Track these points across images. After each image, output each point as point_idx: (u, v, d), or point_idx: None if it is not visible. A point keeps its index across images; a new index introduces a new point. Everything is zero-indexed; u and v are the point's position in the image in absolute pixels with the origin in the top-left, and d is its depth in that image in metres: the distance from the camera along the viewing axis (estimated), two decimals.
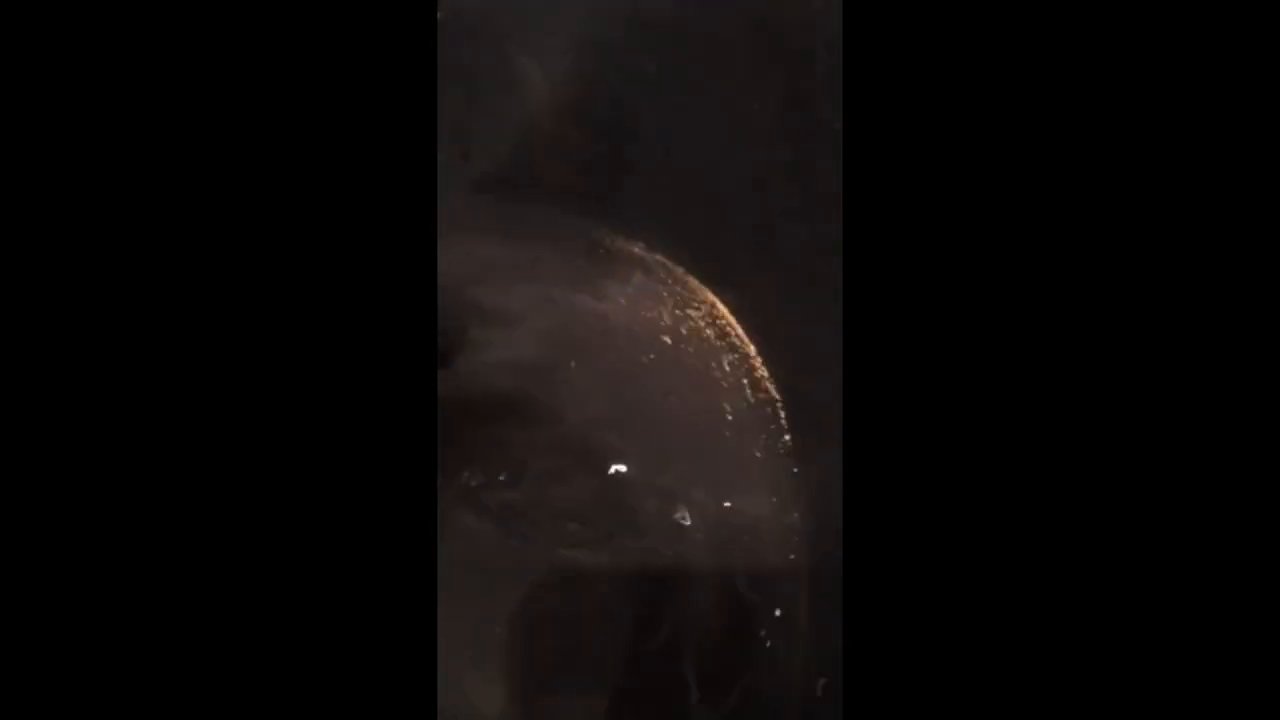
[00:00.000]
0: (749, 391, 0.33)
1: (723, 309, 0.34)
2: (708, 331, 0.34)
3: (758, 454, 0.32)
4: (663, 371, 0.33)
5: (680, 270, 0.34)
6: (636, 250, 0.34)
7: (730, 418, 0.33)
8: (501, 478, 0.30)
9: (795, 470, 0.32)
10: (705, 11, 0.31)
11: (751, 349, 0.34)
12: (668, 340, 0.33)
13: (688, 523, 0.30)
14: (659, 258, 0.34)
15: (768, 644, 0.29)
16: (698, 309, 0.34)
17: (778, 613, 0.30)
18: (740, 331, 0.34)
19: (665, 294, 0.34)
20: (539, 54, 0.32)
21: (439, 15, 0.28)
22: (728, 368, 0.33)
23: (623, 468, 0.31)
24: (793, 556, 0.31)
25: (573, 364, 0.32)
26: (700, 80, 0.32)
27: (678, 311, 0.34)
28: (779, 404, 0.33)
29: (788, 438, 0.33)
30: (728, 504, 0.31)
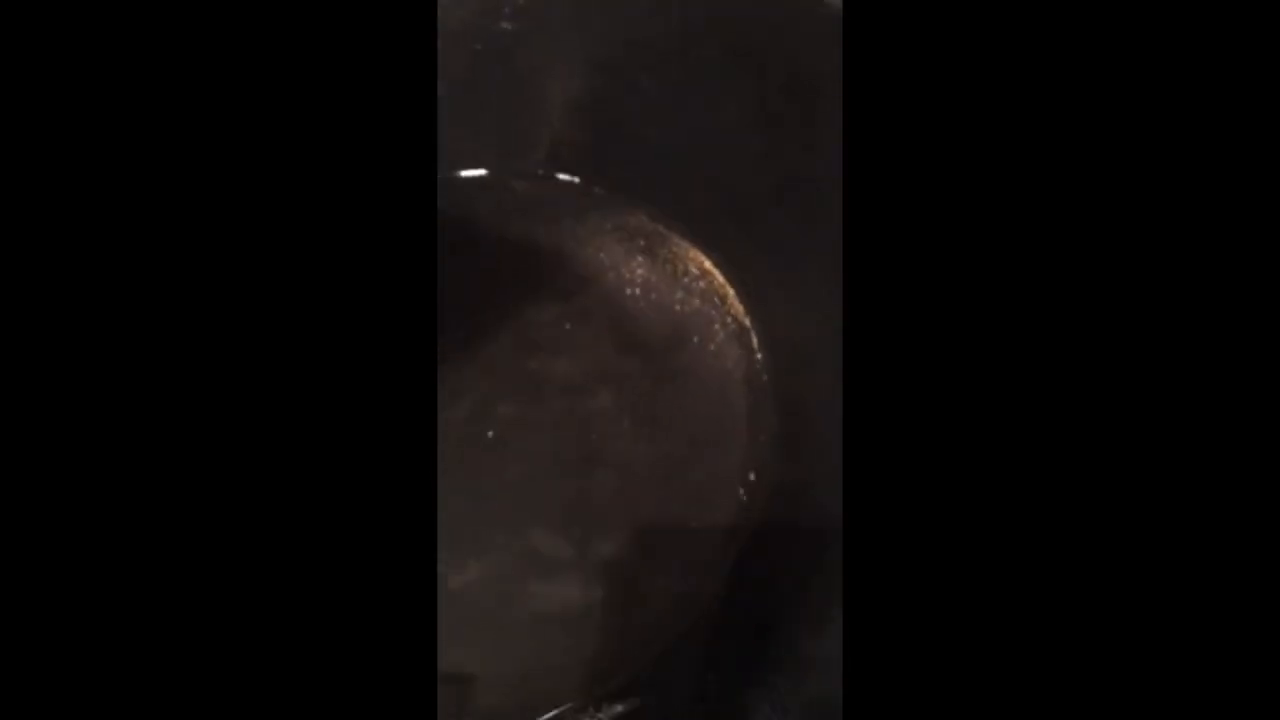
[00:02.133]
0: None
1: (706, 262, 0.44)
2: (700, 283, 0.44)
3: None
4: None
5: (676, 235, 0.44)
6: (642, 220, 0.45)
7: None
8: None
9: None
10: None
11: (730, 291, 0.43)
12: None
13: None
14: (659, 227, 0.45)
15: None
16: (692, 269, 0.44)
17: None
18: (719, 278, 0.44)
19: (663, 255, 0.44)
20: (556, 75, 0.43)
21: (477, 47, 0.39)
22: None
23: None
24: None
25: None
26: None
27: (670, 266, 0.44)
28: (751, 330, 0.42)
29: (759, 355, 0.42)
30: None
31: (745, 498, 0.39)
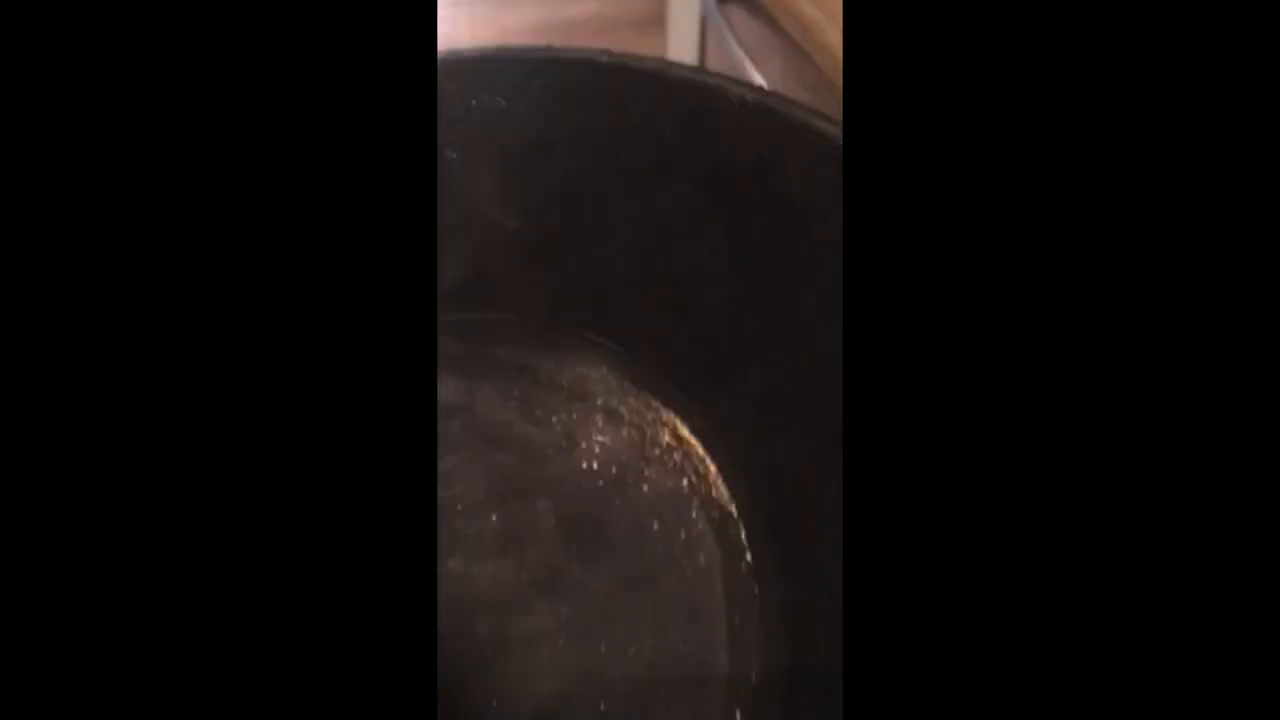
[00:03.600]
0: (707, 509, 0.34)
1: (683, 428, 0.35)
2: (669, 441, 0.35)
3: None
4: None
5: (646, 393, 0.36)
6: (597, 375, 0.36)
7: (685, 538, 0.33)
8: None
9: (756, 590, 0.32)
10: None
11: (711, 468, 0.35)
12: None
13: None
14: (625, 382, 0.36)
15: None
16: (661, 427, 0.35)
17: None
18: (699, 449, 0.35)
19: (625, 413, 0.36)
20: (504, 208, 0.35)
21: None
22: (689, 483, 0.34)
23: None
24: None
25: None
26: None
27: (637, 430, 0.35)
28: (739, 521, 0.33)
29: (749, 556, 0.33)
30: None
31: None
